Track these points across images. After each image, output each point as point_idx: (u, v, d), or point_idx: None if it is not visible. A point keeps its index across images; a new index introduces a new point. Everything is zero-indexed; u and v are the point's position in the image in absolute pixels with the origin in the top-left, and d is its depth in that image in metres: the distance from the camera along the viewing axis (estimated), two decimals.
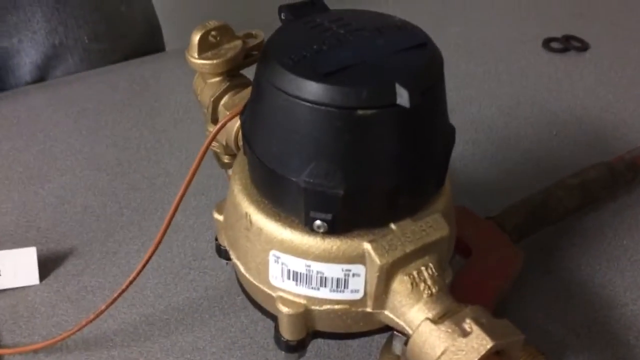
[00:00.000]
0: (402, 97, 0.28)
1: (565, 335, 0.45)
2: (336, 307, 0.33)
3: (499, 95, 0.69)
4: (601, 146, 0.61)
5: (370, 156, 0.29)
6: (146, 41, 0.77)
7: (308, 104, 0.28)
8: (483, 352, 0.28)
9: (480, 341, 0.28)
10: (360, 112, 0.28)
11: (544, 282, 0.48)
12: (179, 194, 0.41)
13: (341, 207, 0.30)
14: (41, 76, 0.70)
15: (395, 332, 0.35)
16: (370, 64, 0.29)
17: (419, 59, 0.29)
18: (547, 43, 0.77)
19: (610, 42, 0.77)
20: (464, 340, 0.29)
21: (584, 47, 0.76)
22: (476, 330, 0.29)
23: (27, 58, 0.68)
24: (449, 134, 0.33)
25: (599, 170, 0.52)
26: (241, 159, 0.35)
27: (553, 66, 0.73)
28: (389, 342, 0.37)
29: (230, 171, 0.45)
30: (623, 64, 0.73)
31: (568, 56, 0.75)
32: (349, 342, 0.44)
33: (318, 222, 0.30)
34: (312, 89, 0.28)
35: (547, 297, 0.47)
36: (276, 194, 0.32)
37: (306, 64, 0.29)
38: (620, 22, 0.81)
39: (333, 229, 0.31)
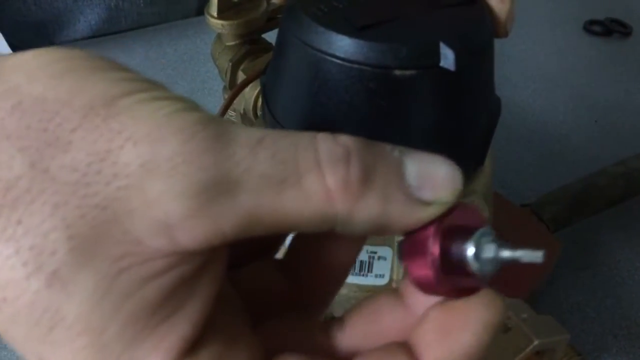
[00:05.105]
0: (447, 58, 0.24)
1: (601, 337, 0.41)
2: (357, 292, 0.30)
3: (535, 77, 0.65)
4: None
5: (406, 124, 0.26)
6: (196, 7, 0.74)
7: (338, 61, 0.24)
8: (525, 350, 0.25)
9: (521, 338, 0.25)
10: (397, 72, 0.24)
11: (579, 278, 0.45)
12: None
13: None
14: (93, 37, 0.68)
15: None
16: (411, 20, 0.25)
17: (468, 17, 0.26)
18: (588, 26, 0.72)
19: None
20: (503, 336, 0.25)
21: (627, 31, 0.72)
22: (517, 325, 0.25)
23: (82, 16, 0.66)
24: (495, 106, 0.29)
25: None
26: (260, 125, 0.32)
27: (594, 50, 0.69)
28: None
29: None
30: None
31: (610, 40, 0.71)
32: None
33: None
34: (343, 45, 0.24)
35: (582, 294, 0.44)
36: None
37: (338, 16, 0.25)
38: None
39: None
